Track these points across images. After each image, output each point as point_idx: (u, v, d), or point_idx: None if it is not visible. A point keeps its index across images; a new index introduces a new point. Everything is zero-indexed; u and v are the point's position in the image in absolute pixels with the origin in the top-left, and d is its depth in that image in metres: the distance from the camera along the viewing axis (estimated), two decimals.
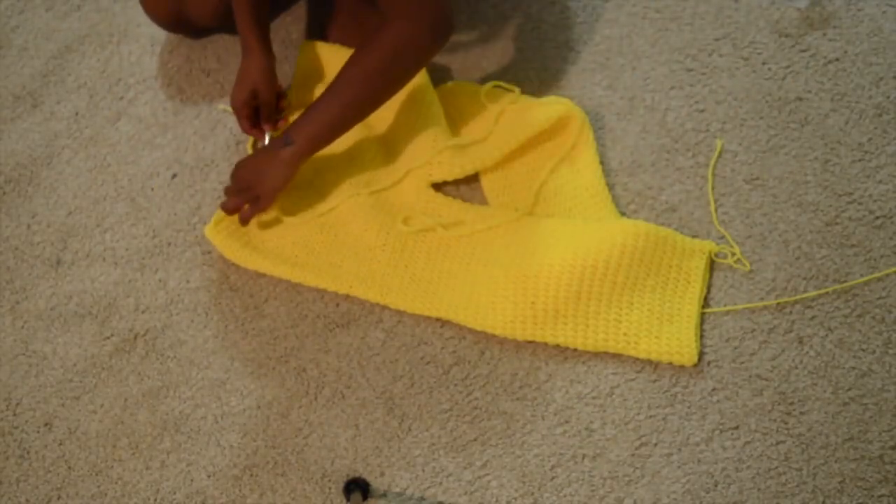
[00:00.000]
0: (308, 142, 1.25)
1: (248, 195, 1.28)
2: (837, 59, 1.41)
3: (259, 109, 1.36)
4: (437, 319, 1.26)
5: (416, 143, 1.34)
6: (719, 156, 1.35)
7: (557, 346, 1.23)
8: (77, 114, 1.50)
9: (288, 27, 1.54)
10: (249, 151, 1.41)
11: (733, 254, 1.27)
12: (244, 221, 1.29)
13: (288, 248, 1.31)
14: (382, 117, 1.39)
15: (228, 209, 1.29)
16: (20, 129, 1.50)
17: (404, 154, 1.35)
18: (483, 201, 1.36)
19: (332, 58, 1.43)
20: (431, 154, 1.32)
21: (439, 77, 1.45)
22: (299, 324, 1.28)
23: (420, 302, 1.26)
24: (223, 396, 1.25)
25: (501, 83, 1.40)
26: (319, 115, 1.24)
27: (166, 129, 1.47)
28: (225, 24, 1.45)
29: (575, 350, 1.22)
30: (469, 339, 1.25)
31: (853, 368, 1.19)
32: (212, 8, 1.42)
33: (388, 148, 1.38)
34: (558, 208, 1.32)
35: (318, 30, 1.52)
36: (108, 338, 1.30)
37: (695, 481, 1.14)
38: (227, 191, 1.31)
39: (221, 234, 1.31)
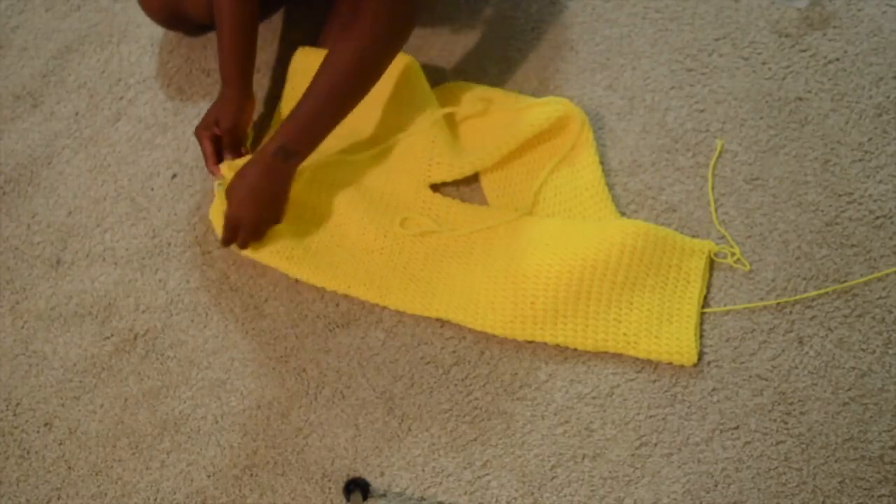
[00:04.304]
0: (308, 147, 1.25)
1: (266, 225, 1.27)
2: (837, 59, 1.41)
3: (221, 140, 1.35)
4: (437, 319, 1.26)
5: (411, 115, 1.35)
6: (719, 156, 1.35)
7: (557, 346, 1.23)
8: (77, 114, 1.50)
9: (287, 27, 1.54)
10: (216, 193, 1.34)
11: (733, 254, 1.27)
12: (258, 239, 1.28)
13: (285, 242, 1.29)
14: (370, 112, 1.39)
15: (256, 240, 1.28)
16: (20, 129, 1.50)
17: (401, 124, 1.36)
18: (483, 201, 1.36)
19: None
20: (429, 129, 1.32)
21: (439, 77, 1.45)
22: (299, 324, 1.28)
23: (419, 302, 1.26)
24: (223, 396, 1.25)
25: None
26: (313, 118, 1.23)
27: (166, 129, 1.47)
28: None
29: (575, 350, 1.23)
30: (469, 339, 1.25)
31: (853, 368, 1.19)
32: (208, 3, 1.41)
33: (381, 131, 1.38)
34: (558, 208, 1.32)
35: (317, 30, 1.52)
36: (108, 338, 1.30)
37: (695, 481, 1.14)
38: (231, 228, 1.26)
39: (221, 220, 1.30)
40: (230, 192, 1.26)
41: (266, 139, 1.29)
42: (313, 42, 1.48)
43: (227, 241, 1.27)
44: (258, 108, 1.46)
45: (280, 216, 1.30)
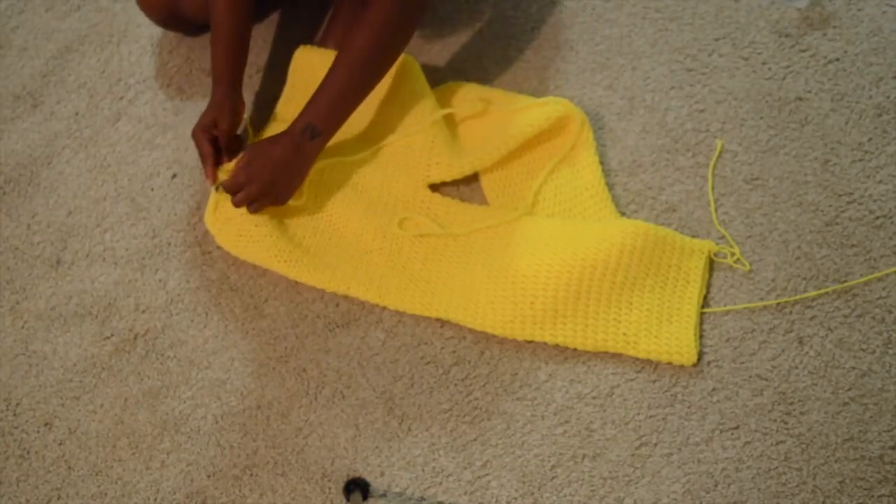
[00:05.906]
0: (332, 127, 1.26)
1: (268, 198, 1.26)
2: (837, 59, 1.41)
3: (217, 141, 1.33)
4: (437, 319, 1.26)
5: (410, 114, 1.35)
6: (719, 156, 1.35)
7: (557, 346, 1.23)
8: (77, 114, 1.50)
9: (287, 27, 1.54)
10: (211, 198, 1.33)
11: (733, 254, 1.27)
12: (254, 211, 1.27)
13: (283, 244, 1.29)
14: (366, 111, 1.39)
15: (251, 211, 1.26)
16: (20, 129, 1.50)
17: (400, 124, 1.36)
18: (483, 201, 1.36)
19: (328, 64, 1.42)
20: (428, 129, 1.32)
21: (439, 77, 1.45)
22: (299, 324, 1.28)
23: (419, 303, 1.26)
24: (223, 396, 1.25)
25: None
26: (337, 96, 1.25)
27: (166, 129, 1.47)
28: None
29: (575, 350, 1.22)
30: (469, 339, 1.25)
31: (853, 368, 1.19)
32: (205, 4, 1.41)
33: (381, 131, 1.38)
34: (558, 208, 1.32)
35: (317, 30, 1.52)
36: (108, 338, 1.30)
37: (695, 481, 1.14)
38: (236, 183, 1.25)
39: (219, 221, 1.30)
40: (250, 154, 1.26)
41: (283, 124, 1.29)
42: (312, 42, 1.48)
43: (233, 194, 1.25)
44: (258, 108, 1.47)
45: (286, 198, 1.28)
